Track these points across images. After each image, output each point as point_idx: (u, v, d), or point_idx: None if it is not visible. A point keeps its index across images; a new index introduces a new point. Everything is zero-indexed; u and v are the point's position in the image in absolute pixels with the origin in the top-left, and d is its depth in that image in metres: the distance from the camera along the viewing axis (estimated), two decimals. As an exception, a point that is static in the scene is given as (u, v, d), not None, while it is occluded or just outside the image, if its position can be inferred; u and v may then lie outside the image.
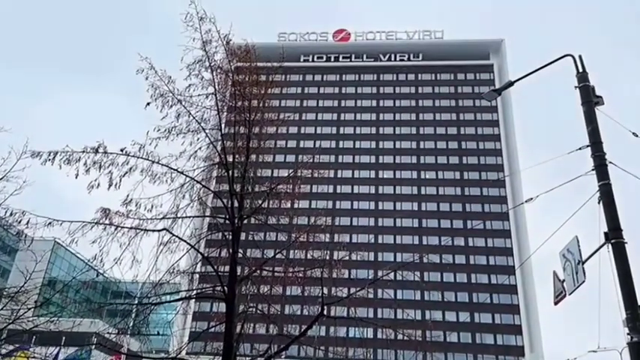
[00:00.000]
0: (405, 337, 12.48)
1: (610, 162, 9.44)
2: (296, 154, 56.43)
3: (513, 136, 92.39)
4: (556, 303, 9.77)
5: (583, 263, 8.98)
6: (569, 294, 9.39)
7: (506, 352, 75.94)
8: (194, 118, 13.10)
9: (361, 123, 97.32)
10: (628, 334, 8.25)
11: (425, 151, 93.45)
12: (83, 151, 11.93)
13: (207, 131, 13.19)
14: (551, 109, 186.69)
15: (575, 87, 10.31)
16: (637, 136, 10.33)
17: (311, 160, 15.31)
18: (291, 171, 14.14)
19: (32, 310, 14.72)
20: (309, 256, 13.45)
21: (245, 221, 13.25)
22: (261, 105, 14.04)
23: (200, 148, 13.16)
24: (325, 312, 12.13)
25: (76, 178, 11.71)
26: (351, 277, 15.12)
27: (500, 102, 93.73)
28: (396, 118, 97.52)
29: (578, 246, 9.28)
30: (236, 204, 12.90)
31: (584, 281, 8.94)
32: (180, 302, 13.58)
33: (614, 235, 8.79)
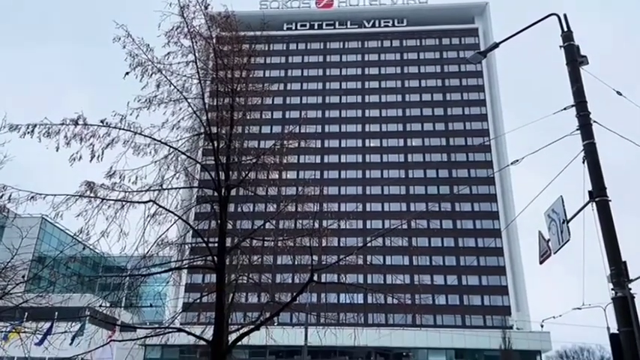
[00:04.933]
0: (395, 301, 12.67)
1: (594, 121, 9.47)
2: (282, 125, 56.09)
3: (498, 101, 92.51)
4: (541, 262, 9.93)
5: (567, 222, 9.09)
6: (554, 253, 9.54)
7: (494, 312, 77.74)
8: (175, 87, 12.87)
9: (347, 92, 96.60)
10: (612, 289, 8.41)
11: (411, 119, 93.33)
12: (62, 124, 11.67)
13: (189, 100, 12.98)
14: (536, 72, 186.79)
15: (560, 46, 10.24)
16: (620, 94, 10.36)
17: (297, 130, 15.20)
18: (277, 141, 14.03)
19: (22, 285, 14.64)
20: (298, 226, 13.49)
21: (234, 193, 13.19)
22: (244, 75, 13.82)
23: (183, 118, 12.97)
24: (315, 278, 12.23)
25: (57, 150, 11.51)
26: (341, 245, 15.22)
27: (485, 66, 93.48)
28: (381, 86, 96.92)
29: (563, 206, 9.37)
30: (222, 175, 12.82)
31: (569, 239, 9.07)
32: (171, 274, 13.60)
33: (598, 193, 8.87)
